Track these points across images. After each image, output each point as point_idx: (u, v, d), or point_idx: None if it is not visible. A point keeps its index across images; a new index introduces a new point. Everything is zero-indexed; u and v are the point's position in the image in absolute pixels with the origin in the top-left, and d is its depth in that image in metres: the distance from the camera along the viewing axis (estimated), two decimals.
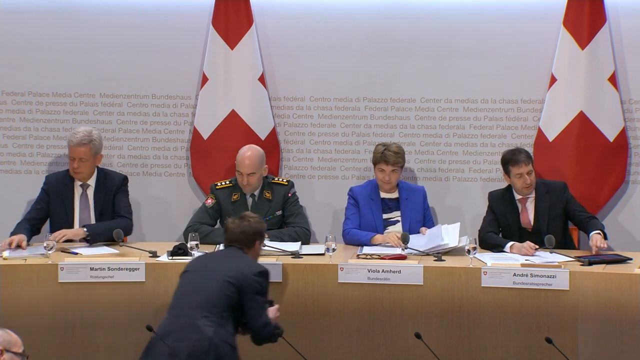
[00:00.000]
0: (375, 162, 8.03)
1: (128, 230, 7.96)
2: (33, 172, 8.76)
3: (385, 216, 8.02)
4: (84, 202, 8.08)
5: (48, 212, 8.05)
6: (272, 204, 8.09)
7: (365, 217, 8.05)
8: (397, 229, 7.91)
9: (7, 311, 7.15)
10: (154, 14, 8.78)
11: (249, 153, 8.06)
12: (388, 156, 7.95)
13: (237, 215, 6.66)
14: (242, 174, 8.00)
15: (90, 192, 8.05)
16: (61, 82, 8.84)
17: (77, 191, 8.07)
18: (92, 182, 8.03)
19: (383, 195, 8.07)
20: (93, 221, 7.97)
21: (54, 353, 7.18)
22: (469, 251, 7.28)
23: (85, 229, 7.80)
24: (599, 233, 7.54)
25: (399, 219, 8.02)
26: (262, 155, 8.09)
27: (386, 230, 7.94)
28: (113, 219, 7.95)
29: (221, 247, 7.05)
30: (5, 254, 7.45)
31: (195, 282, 6.36)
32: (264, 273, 6.33)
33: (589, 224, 7.73)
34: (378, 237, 7.75)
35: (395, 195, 8.07)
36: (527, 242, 7.53)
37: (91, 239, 7.77)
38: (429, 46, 8.65)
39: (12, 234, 7.78)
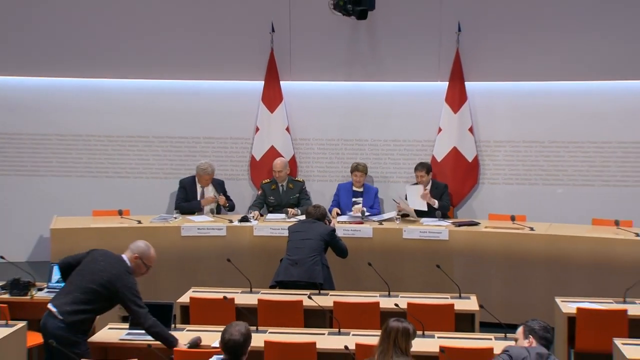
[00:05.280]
0: (352, 171, 8.05)
1: (234, 207, 8.06)
2: (176, 177, 8.46)
3: (354, 199, 7.99)
4: (201, 196, 8.08)
5: (187, 199, 8.07)
6: (293, 191, 8.09)
7: (343, 198, 8.01)
8: (359, 206, 7.83)
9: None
10: (234, 93, 8.71)
11: (278, 161, 8.17)
12: (359, 168, 8.04)
13: (312, 205, 6.84)
14: (275, 171, 8.07)
15: (206, 190, 8.12)
16: (187, 131, 8.79)
17: (199, 190, 8.12)
18: (208, 186, 8.10)
19: (355, 188, 8.06)
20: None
21: (176, 275, 7.26)
22: (396, 219, 7.52)
23: (225, 200, 7.89)
24: (433, 205, 7.60)
25: (360, 201, 7.97)
26: (285, 162, 8.20)
27: (354, 206, 7.87)
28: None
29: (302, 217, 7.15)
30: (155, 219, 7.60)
31: (303, 237, 6.46)
32: (333, 230, 6.65)
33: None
34: (333, 211, 7.73)
35: (361, 189, 8.05)
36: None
37: (230, 209, 7.96)
38: (377, 109, 8.61)
39: (177, 208, 7.83)
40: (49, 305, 4.92)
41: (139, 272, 5.05)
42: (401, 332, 4.22)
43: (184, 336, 5.13)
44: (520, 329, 4.37)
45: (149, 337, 5.02)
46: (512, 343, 4.47)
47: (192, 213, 7.90)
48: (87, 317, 4.91)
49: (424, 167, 7.94)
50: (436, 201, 7.75)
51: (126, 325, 5.31)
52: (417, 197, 7.69)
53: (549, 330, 4.34)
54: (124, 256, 5.03)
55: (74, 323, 4.84)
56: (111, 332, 5.26)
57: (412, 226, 7.45)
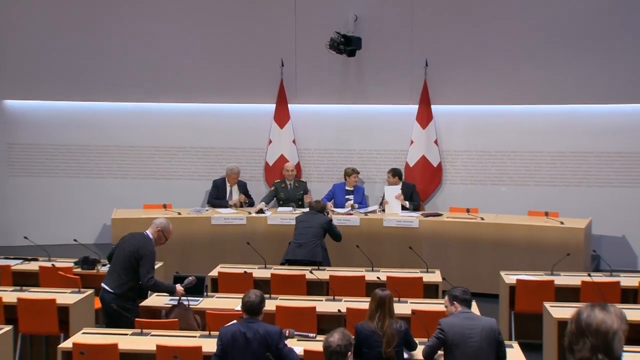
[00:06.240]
0: (349, 174, 7.92)
1: (253, 204, 7.87)
2: (208, 179, 8.36)
3: (347, 197, 7.90)
4: (229, 194, 8.02)
5: (218, 195, 7.96)
6: (299, 189, 8.04)
7: (338, 196, 7.92)
8: (350, 202, 7.79)
9: (189, 237, 7.20)
10: (252, 114, 8.62)
11: (289, 163, 8.13)
12: (356, 171, 7.96)
13: (314, 200, 6.85)
14: (288, 170, 8.01)
15: (233, 188, 8.04)
16: (216, 143, 8.72)
17: (228, 188, 8.04)
18: (234, 185, 8.01)
19: (347, 188, 7.96)
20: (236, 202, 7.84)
21: (208, 254, 7.20)
22: (378, 211, 7.54)
23: (245, 198, 7.73)
24: (405, 205, 7.54)
25: (352, 198, 7.90)
26: (293, 165, 8.18)
27: (347, 202, 7.81)
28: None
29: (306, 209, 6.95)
30: (190, 211, 7.53)
31: (306, 225, 6.42)
32: (331, 220, 6.65)
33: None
34: (328, 204, 7.51)
35: (352, 189, 7.96)
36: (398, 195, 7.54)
37: (249, 204, 7.75)
38: (363, 126, 8.51)
39: (209, 203, 7.80)
40: (103, 284, 5.08)
41: (158, 242, 5.13)
42: (391, 297, 4.22)
43: (214, 302, 5.27)
44: (445, 298, 4.24)
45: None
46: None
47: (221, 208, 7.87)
48: (131, 286, 5.01)
49: (391, 172, 7.92)
50: (407, 202, 7.67)
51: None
52: (392, 199, 7.60)
53: (467, 293, 4.21)
54: (147, 232, 5.11)
55: (123, 293, 4.98)
56: (158, 298, 5.36)
57: (390, 217, 7.46)
